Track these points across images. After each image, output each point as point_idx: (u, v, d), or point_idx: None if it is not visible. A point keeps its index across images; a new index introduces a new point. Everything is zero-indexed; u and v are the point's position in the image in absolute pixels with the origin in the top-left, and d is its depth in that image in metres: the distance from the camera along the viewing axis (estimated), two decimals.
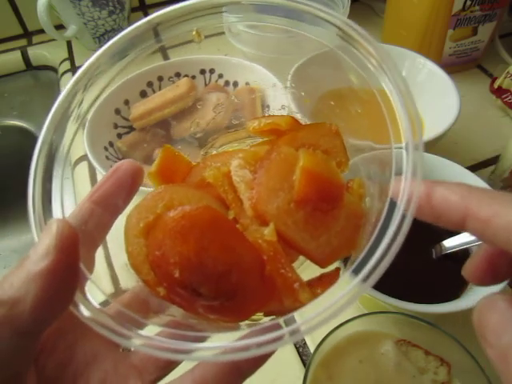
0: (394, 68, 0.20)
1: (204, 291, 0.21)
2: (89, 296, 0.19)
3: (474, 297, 0.35)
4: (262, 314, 0.23)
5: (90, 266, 0.23)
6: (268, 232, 0.22)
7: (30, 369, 0.19)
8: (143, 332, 0.18)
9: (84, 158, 0.59)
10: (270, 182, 0.23)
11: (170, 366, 0.23)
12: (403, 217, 0.18)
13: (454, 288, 0.39)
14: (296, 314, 0.18)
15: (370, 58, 0.21)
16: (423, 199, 0.18)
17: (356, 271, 0.18)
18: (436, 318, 0.37)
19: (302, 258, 0.24)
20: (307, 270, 0.25)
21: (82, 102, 0.24)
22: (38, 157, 0.22)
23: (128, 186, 0.23)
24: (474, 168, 0.57)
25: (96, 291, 0.20)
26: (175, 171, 0.27)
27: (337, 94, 0.46)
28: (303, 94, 0.51)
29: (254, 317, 0.23)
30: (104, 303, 0.20)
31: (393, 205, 0.18)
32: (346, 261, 0.24)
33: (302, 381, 0.31)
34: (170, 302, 0.22)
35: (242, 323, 0.22)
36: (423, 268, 0.42)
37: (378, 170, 0.23)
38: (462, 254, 0.41)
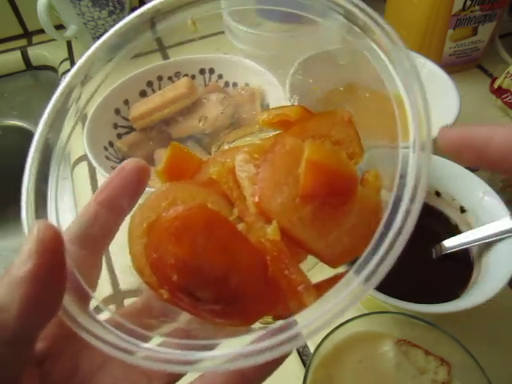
0: (411, 67, 0.19)
1: (202, 295, 0.20)
2: (91, 311, 0.19)
3: (474, 297, 0.35)
4: (271, 317, 0.22)
5: (97, 269, 0.22)
6: (271, 230, 0.20)
7: (26, 372, 0.19)
8: (147, 345, 0.18)
9: (84, 158, 0.59)
10: (274, 177, 0.21)
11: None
12: (407, 213, 0.17)
13: (454, 288, 0.39)
14: (297, 317, 0.17)
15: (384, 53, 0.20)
16: (482, 146, 0.17)
17: (358, 271, 0.17)
18: (436, 318, 0.37)
19: (314, 258, 0.23)
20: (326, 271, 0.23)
21: (80, 97, 0.23)
22: (34, 155, 0.21)
23: (134, 186, 0.22)
24: (474, 168, 0.57)
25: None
26: (184, 169, 0.25)
27: (345, 87, 0.46)
28: (304, 91, 0.51)
29: (263, 320, 0.22)
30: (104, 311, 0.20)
31: (397, 200, 0.18)
32: None
33: (301, 381, 0.31)
34: (174, 305, 0.21)
35: (254, 326, 0.21)
36: (423, 268, 0.42)
37: (390, 162, 0.23)
38: (462, 254, 0.41)
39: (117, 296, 0.45)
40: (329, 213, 0.21)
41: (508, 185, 0.50)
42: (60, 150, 0.22)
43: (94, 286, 0.22)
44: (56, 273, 0.17)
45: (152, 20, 0.24)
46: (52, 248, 0.17)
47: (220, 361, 0.16)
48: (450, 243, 0.41)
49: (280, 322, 0.17)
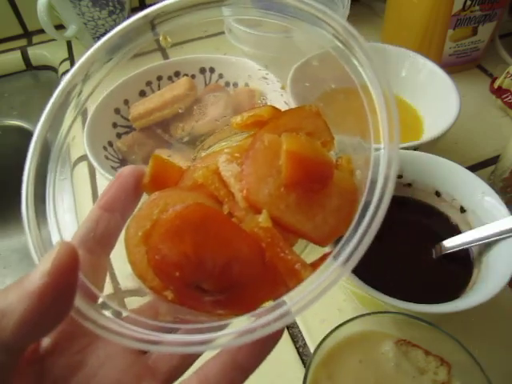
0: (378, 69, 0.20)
1: (208, 286, 0.21)
2: (102, 310, 0.19)
3: (474, 297, 0.35)
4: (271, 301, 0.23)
5: (103, 272, 0.23)
6: (262, 219, 0.22)
7: (19, 373, 0.20)
8: (161, 334, 0.18)
9: (83, 158, 0.59)
10: (258, 171, 0.23)
11: (184, 365, 0.23)
12: (380, 199, 0.18)
13: (454, 288, 0.39)
14: (285, 298, 0.19)
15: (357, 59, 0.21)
16: None
17: (336, 256, 0.18)
18: (436, 318, 0.37)
19: (304, 241, 0.24)
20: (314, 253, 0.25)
21: (80, 94, 0.24)
22: (32, 155, 0.22)
23: (132, 189, 0.24)
24: (474, 168, 0.57)
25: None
26: (167, 178, 0.27)
27: (340, 92, 0.46)
28: (304, 92, 0.51)
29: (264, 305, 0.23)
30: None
31: (373, 185, 0.19)
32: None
33: (302, 381, 0.31)
34: (180, 304, 0.22)
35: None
36: (423, 268, 0.42)
37: (361, 142, 0.24)
38: (462, 254, 0.41)
39: (117, 295, 0.45)
40: (312, 197, 0.23)
41: (508, 185, 0.50)
42: (58, 147, 0.24)
43: (100, 287, 0.23)
44: (64, 294, 0.18)
45: (153, 22, 0.25)
46: (66, 271, 0.18)
47: (230, 337, 0.18)
48: (450, 243, 0.41)
49: (271, 303, 0.18)
